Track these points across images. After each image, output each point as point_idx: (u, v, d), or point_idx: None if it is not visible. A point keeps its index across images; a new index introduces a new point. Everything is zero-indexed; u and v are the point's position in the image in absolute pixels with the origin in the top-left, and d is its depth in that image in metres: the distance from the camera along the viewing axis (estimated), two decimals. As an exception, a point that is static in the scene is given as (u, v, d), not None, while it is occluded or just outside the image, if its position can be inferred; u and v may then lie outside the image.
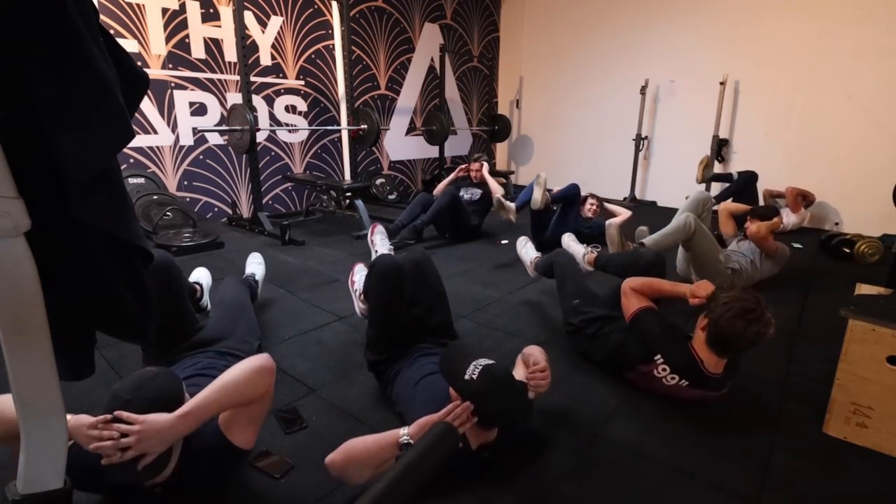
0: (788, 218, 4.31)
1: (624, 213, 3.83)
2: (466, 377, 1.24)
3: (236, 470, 1.35)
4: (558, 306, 2.64)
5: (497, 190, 3.90)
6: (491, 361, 1.29)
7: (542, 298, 2.75)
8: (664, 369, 1.65)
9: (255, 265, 2.55)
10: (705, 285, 1.74)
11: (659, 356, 1.66)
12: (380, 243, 2.47)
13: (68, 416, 1.02)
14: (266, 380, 1.19)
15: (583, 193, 3.77)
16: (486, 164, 4.15)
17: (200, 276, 2.38)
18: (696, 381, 1.63)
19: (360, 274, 2.15)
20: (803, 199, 4.40)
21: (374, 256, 2.36)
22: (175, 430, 1.05)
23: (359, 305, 2.02)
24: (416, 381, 1.51)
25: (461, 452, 1.25)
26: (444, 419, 1.20)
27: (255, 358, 1.21)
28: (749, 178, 4.50)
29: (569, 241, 2.75)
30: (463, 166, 4.28)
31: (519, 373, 1.48)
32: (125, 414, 1.01)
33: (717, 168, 5.16)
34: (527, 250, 2.76)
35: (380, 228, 2.56)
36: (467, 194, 4.09)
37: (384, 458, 1.22)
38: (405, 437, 1.23)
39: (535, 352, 1.54)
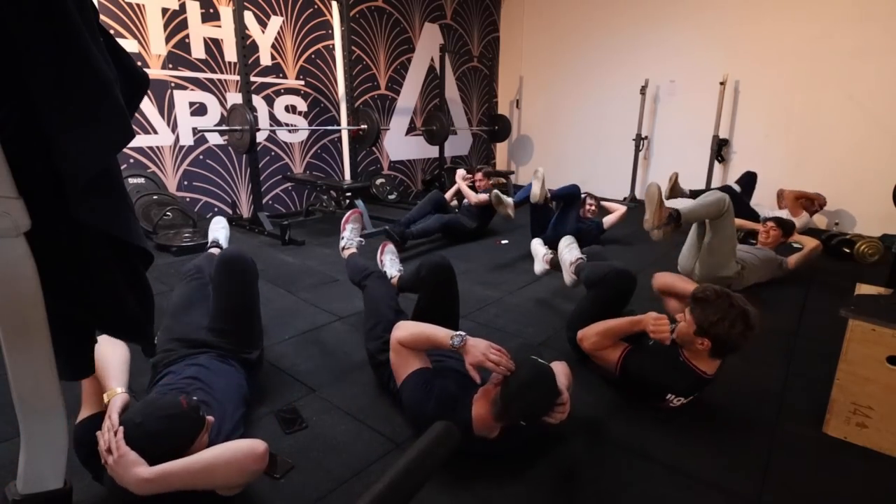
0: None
1: (620, 210, 3.94)
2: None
3: None
4: (557, 307, 2.64)
5: (471, 196, 4.03)
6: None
7: (542, 298, 2.75)
8: (678, 400, 1.63)
9: (219, 230, 2.52)
10: (660, 320, 1.62)
11: (670, 394, 1.62)
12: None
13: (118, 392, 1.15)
14: (247, 480, 1.15)
15: (582, 194, 3.78)
16: (460, 171, 4.37)
17: (218, 232, 2.39)
18: (701, 390, 1.65)
19: (350, 225, 2.46)
20: (809, 202, 4.35)
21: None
22: (134, 485, 1.03)
23: (342, 253, 2.40)
24: (430, 383, 1.44)
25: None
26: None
27: (246, 449, 1.11)
28: (749, 179, 4.46)
29: (562, 248, 2.45)
30: (468, 176, 4.43)
31: None
32: (119, 437, 1.06)
33: (718, 168, 5.15)
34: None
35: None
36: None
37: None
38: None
39: (561, 378, 1.45)
